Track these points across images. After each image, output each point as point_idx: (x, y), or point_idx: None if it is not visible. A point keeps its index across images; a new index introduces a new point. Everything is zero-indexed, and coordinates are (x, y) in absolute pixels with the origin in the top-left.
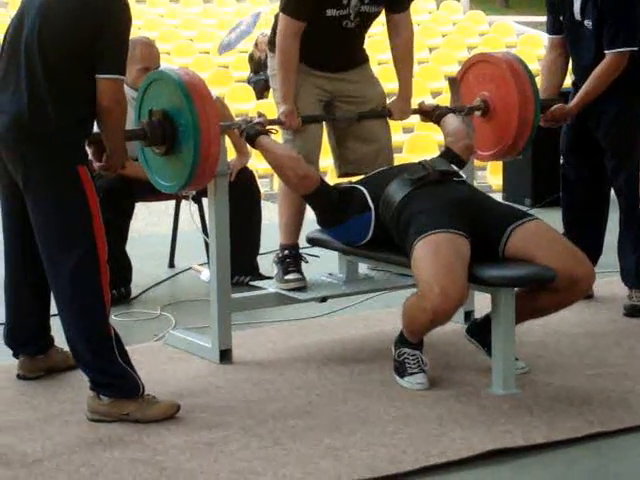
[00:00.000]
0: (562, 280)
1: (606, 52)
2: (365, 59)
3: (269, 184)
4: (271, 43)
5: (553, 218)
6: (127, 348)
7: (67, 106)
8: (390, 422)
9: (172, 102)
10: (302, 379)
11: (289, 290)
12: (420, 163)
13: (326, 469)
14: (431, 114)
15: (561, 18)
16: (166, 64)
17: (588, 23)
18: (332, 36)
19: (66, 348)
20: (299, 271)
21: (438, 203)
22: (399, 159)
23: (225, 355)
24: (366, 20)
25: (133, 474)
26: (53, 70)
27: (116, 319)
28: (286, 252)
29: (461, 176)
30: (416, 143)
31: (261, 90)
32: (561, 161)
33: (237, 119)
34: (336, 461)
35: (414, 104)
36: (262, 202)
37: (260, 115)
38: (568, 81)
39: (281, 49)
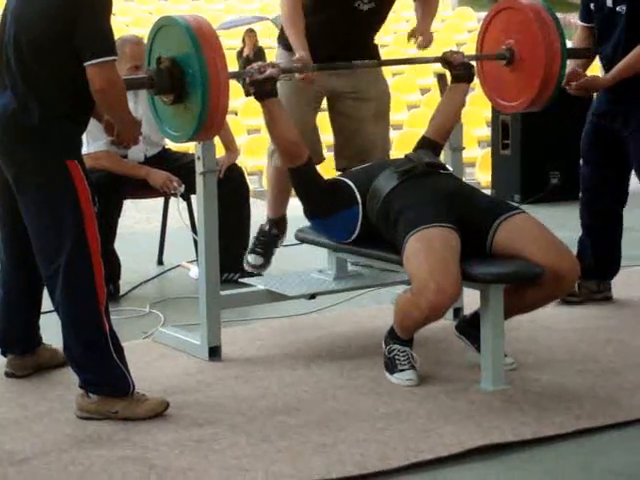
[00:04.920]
0: (547, 275)
1: None
2: (376, 55)
3: (258, 181)
4: (279, 39)
5: (542, 215)
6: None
7: (48, 102)
8: (380, 418)
9: (180, 49)
10: (291, 376)
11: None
12: (406, 156)
13: (316, 466)
14: (453, 69)
15: (592, 6)
16: None
17: (621, 9)
18: (345, 19)
19: (54, 345)
20: (263, 255)
21: (426, 196)
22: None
23: (214, 352)
24: (381, 6)
25: (122, 472)
26: (30, 70)
27: None
28: (263, 231)
29: (447, 169)
30: (405, 141)
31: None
32: (580, 162)
33: (248, 67)
34: (326, 458)
35: (405, 102)
36: (251, 199)
37: (274, 65)
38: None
39: (289, 13)
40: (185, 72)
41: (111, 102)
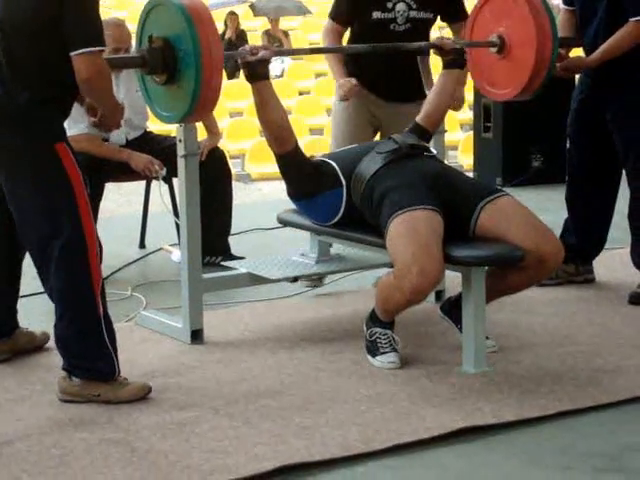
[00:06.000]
0: (530, 258)
1: (631, 20)
2: (422, 96)
3: (240, 164)
4: None
5: (524, 197)
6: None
7: (35, 88)
8: (361, 401)
9: (173, 28)
10: (273, 359)
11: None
12: (390, 138)
13: (298, 448)
14: (445, 55)
15: None
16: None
17: None
18: (383, 41)
19: (31, 329)
20: None
21: (410, 178)
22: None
23: (196, 335)
24: (418, 27)
25: (104, 455)
26: (16, 56)
27: None
28: None
29: (431, 151)
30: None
31: (232, 71)
32: (567, 144)
33: (241, 48)
34: (308, 440)
35: None
36: (233, 182)
37: (266, 47)
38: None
39: (325, 38)
40: (178, 51)
41: (97, 91)
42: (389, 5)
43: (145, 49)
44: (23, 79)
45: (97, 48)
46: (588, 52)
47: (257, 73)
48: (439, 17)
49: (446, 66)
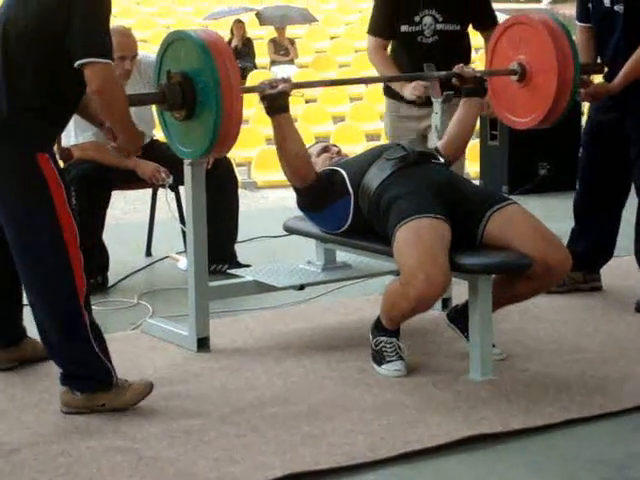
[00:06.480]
0: (538, 267)
1: None
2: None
3: (246, 172)
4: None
5: (530, 206)
6: (105, 337)
7: (20, 94)
8: (368, 409)
9: (191, 62)
10: (280, 367)
11: None
12: (398, 144)
13: (304, 456)
14: (465, 84)
15: (589, 5)
16: (143, 52)
17: (619, 8)
18: (414, 53)
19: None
20: None
21: (418, 186)
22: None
23: (202, 343)
24: (446, 39)
25: (111, 463)
26: (12, 61)
27: (93, 307)
28: None
29: (439, 159)
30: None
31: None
32: (580, 152)
33: (260, 82)
34: (314, 448)
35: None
36: (239, 190)
37: (285, 80)
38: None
39: (372, 62)
40: (197, 85)
41: (109, 105)
42: (416, 19)
43: (165, 85)
44: (11, 84)
45: (106, 60)
46: (609, 69)
47: (277, 106)
48: (470, 25)
49: (466, 95)
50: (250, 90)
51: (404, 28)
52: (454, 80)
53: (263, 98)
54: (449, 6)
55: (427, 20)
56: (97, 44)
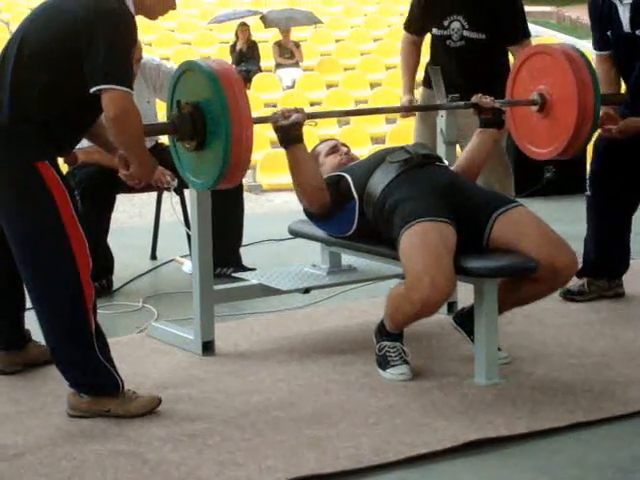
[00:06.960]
0: (544, 270)
1: None
2: (488, 86)
3: (252, 175)
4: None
5: (536, 209)
6: (109, 340)
7: (23, 105)
8: (373, 413)
9: (202, 93)
10: (285, 370)
11: None
12: (402, 147)
13: (309, 460)
14: (482, 114)
15: (609, 33)
16: (148, 55)
17: None
18: (443, 56)
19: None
20: None
21: (422, 190)
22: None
23: (208, 347)
24: (472, 45)
25: (115, 466)
26: (18, 76)
27: (98, 311)
28: None
29: (443, 161)
30: (399, 134)
31: (243, 82)
32: (587, 191)
33: (272, 113)
34: (319, 452)
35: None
36: (244, 193)
37: (298, 110)
38: None
39: (401, 54)
40: (207, 115)
41: (125, 133)
42: (445, 23)
43: (175, 115)
44: (16, 97)
45: (124, 89)
46: (632, 97)
47: (291, 137)
48: (497, 38)
49: (483, 125)
50: (262, 121)
51: (435, 31)
52: (472, 110)
53: (276, 129)
54: (475, 15)
55: (455, 25)
56: (119, 72)
